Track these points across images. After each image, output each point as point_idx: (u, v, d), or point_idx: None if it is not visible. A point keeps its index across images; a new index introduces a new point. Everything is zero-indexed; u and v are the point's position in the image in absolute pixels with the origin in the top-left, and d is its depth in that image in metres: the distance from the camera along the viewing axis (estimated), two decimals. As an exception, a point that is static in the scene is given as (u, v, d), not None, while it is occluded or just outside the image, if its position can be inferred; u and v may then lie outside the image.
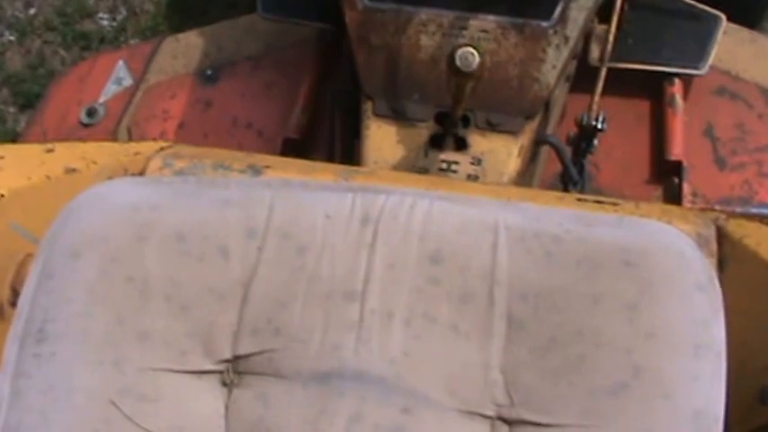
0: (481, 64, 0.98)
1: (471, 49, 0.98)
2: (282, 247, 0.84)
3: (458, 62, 0.98)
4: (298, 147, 1.49)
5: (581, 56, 1.39)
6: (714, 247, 0.94)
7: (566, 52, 1.19)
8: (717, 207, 1.32)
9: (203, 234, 0.85)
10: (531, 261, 0.82)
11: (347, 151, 1.42)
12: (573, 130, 1.31)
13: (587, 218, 0.86)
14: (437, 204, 0.87)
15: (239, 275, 0.84)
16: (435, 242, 0.83)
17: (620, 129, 1.41)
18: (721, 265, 0.94)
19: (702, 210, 1.07)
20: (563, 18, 1.18)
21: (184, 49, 1.65)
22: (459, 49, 0.98)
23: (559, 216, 0.86)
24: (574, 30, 1.18)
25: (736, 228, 0.95)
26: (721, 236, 0.95)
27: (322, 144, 1.50)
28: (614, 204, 1.00)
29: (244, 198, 0.87)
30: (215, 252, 0.84)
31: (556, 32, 1.18)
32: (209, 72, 1.61)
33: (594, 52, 1.39)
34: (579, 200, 1.02)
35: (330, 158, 1.44)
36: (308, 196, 0.88)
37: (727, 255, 0.94)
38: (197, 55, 1.63)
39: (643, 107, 1.46)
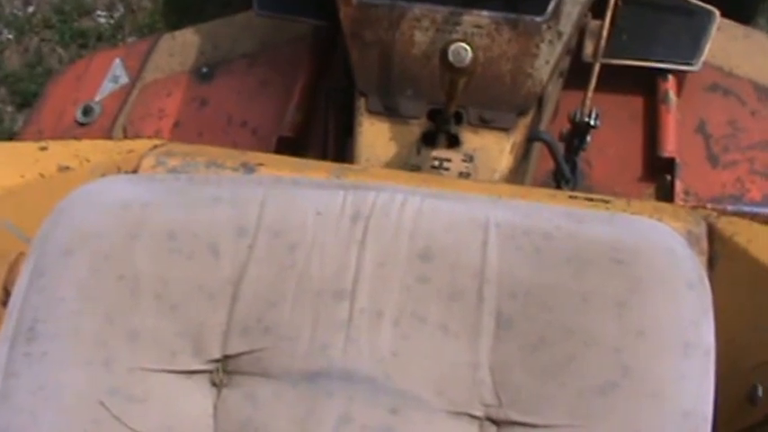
0: (474, 59, 0.98)
1: (464, 45, 0.97)
2: (273, 245, 0.84)
3: (451, 57, 0.98)
4: (292, 145, 1.48)
5: (574, 52, 1.38)
6: (705, 244, 0.94)
7: (559, 48, 1.19)
8: (708, 205, 1.31)
9: (193, 232, 0.84)
10: (520, 258, 0.82)
11: (341, 149, 1.42)
12: (566, 127, 1.31)
13: (578, 215, 0.86)
14: (428, 202, 0.86)
15: (229, 274, 0.83)
16: (425, 240, 0.83)
17: (613, 125, 1.40)
18: (711, 263, 0.93)
19: (694, 207, 1.07)
20: (556, 13, 1.17)
21: (180, 47, 1.64)
22: (452, 45, 0.98)
23: (550, 213, 0.86)
24: (567, 25, 1.18)
25: (727, 225, 0.94)
26: (712, 233, 0.95)
27: (316, 142, 1.49)
28: (605, 202, 0.99)
29: (235, 196, 0.87)
30: (205, 250, 0.84)
31: (549, 28, 1.17)
32: (204, 70, 1.61)
33: (588, 48, 1.39)
34: (571, 197, 1.02)
35: (324, 156, 1.44)
36: (299, 194, 0.88)
37: (718, 252, 0.93)
38: (193, 53, 1.63)
39: (636, 104, 1.46)
